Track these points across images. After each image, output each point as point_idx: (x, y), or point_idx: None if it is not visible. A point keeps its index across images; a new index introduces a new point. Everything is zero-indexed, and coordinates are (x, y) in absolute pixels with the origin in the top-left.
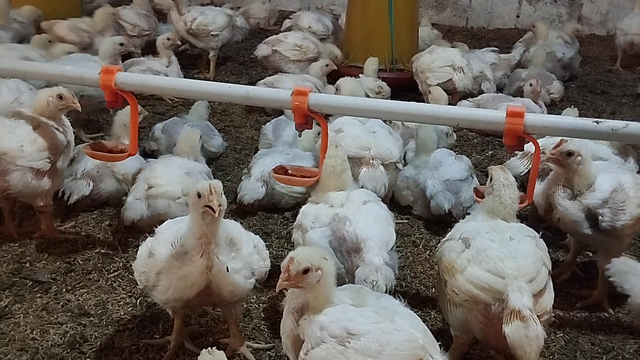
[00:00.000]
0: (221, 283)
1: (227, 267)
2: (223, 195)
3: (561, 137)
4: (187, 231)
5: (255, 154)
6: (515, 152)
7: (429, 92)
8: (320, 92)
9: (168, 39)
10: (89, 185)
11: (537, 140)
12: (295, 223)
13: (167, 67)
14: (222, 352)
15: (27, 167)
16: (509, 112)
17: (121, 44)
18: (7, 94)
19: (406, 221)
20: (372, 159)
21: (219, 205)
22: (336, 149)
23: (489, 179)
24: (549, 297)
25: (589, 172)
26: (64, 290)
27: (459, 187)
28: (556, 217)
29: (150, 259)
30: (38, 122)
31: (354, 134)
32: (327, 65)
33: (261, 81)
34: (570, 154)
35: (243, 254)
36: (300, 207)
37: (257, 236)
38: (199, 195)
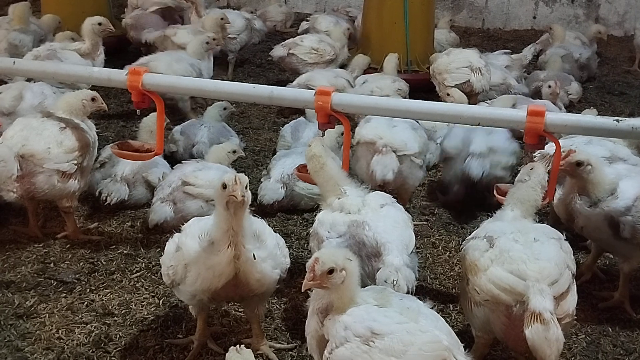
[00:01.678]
0: (249, 271)
1: (254, 255)
2: (248, 189)
3: (569, 148)
4: (213, 225)
5: (274, 156)
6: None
7: (448, 94)
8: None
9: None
10: (127, 189)
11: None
12: (311, 230)
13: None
14: (249, 350)
15: (54, 170)
16: (530, 111)
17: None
18: (32, 98)
19: (425, 222)
20: (383, 147)
21: (242, 195)
22: (310, 149)
23: (527, 169)
24: (571, 300)
25: (602, 179)
26: (88, 290)
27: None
28: (579, 225)
29: (178, 252)
30: (66, 123)
31: (375, 124)
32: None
33: (294, 82)
34: (579, 164)
35: (268, 246)
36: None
37: (277, 234)
38: (224, 187)
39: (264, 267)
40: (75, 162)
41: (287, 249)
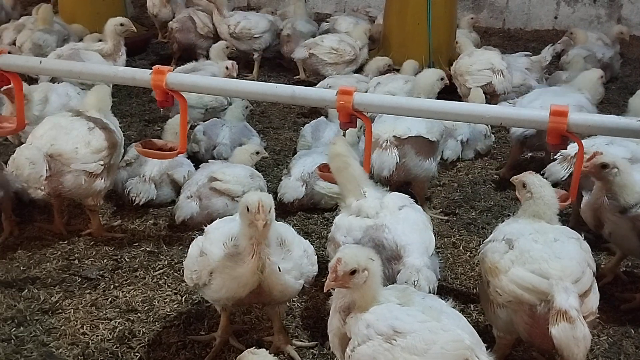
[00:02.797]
0: (272, 283)
1: (279, 268)
2: (272, 209)
3: (593, 150)
4: (239, 233)
5: (295, 155)
6: (557, 155)
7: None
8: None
9: (121, 24)
10: (155, 190)
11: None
12: (329, 235)
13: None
14: (263, 349)
15: (81, 170)
16: (553, 111)
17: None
18: (57, 100)
19: (446, 217)
20: (385, 142)
21: (265, 223)
22: (334, 147)
23: (520, 187)
24: (594, 298)
25: (629, 182)
26: (112, 286)
27: None
28: (607, 231)
29: (202, 257)
30: (95, 123)
31: (384, 119)
32: (388, 66)
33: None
34: (604, 166)
35: (293, 256)
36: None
37: (307, 241)
38: (247, 209)
39: (288, 279)
40: (102, 162)
41: (315, 257)
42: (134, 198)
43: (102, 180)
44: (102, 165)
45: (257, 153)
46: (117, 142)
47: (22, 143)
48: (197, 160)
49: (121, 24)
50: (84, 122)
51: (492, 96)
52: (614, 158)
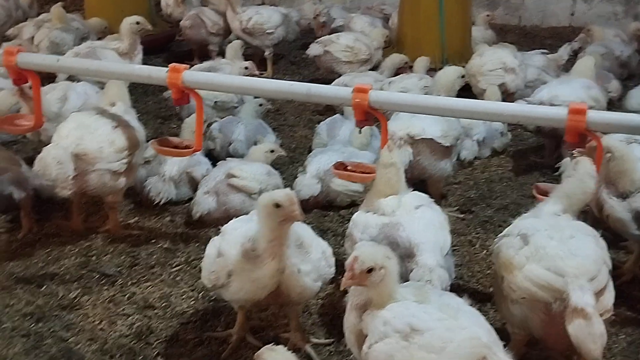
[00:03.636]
0: (291, 285)
1: (299, 270)
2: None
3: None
4: (258, 234)
5: (311, 153)
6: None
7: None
8: None
9: (137, 22)
10: (174, 189)
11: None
12: (347, 231)
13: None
14: (281, 346)
15: (105, 169)
16: (571, 109)
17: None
18: (76, 99)
19: (462, 215)
20: (399, 139)
21: (302, 213)
22: (390, 156)
23: (572, 164)
24: (609, 295)
25: (628, 170)
26: (129, 283)
27: None
28: (605, 214)
29: (220, 258)
30: (118, 122)
31: (399, 116)
32: (405, 63)
33: (334, 82)
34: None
35: (312, 258)
36: (356, 204)
37: (326, 243)
38: (277, 205)
39: (307, 281)
40: (126, 160)
41: (333, 258)
42: (153, 198)
43: (125, 178)
44: (125, 163)
45: (272, 151)
46: (139, 140)
47: (41, 141)
48: (213, 157)
49: (137, 23)
50: (108, 121)
51: (507, 95)
52: (614, 144)
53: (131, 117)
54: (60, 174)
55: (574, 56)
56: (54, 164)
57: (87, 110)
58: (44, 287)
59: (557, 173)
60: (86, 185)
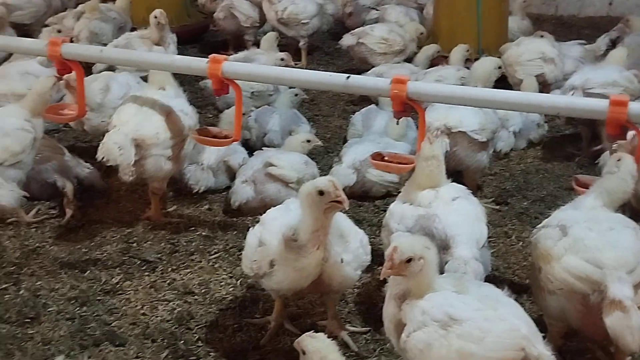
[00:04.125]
0: (333, 274)
1: (342, 259)
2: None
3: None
4: (301, 225)
5: (346, 143)
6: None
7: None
8: None
9: (155, 16)
10: (213, 178)
11: None
12: (383, 221)
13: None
14: (321, 334)
15: (160, 154)
16: (612, 101)
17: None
18: (118, 89)
19: (497, 207)
20: (436, 130)
21: (347, 200)
22: (432, 148)
23: (614, 160)
24: None
25: None
26: (170, 269)
27: None
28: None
29: (262, 247)
30: (168, 111)
31: (437, 107)
32: (437, 52)
33: (368, 72)
34: None
35: (351, 247)
36: (391, 195)
37: (363, 231)
38: (321, 193)
39: (348, 270)
40: (178, 146)
41: (369, 247)
42: (192, 186)
43: (176, 164)
44: (177, 149)
45: (309, 141)
46: (192, 125)
47: (85, 130)
48: (249, 147)
49: (154, 17)
50: (163, 107)
51: (543, 85)
52: None
53: (183, 102)
54: (122, 159)
55: (612, 47)
56: (115, 150)
57: (142, 96)
58: (87, 272)
59: (595, 164)
60: (143, 170)
